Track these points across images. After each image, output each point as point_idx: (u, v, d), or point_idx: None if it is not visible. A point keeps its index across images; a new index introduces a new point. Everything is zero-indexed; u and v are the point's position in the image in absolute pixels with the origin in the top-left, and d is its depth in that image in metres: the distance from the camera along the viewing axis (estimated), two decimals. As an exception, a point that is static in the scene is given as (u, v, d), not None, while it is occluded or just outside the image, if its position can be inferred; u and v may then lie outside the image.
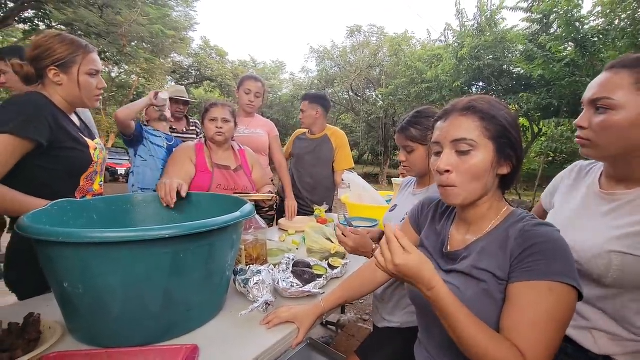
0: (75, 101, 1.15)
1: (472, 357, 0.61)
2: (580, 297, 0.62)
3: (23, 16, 7.91)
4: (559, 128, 6.69)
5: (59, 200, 0.96)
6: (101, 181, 1.27)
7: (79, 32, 6.90)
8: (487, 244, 0.73)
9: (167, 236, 0.72)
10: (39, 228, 0.71)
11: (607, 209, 0.80)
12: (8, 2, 7.19)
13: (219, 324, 0.92)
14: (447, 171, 0.72)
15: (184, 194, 1.18)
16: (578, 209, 0.87)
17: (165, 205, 1.17)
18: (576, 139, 0.84)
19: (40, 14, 7.82)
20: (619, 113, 0.74)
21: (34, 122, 0.99)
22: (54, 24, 7.42)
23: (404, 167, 1.24)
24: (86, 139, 1.17)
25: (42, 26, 8.05)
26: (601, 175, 0.88)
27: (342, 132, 2.53)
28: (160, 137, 2.27)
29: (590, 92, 0.80)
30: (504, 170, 0.74)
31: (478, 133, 0.71)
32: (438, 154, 0.76)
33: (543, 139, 7.63)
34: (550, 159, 10.73)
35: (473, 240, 0.77)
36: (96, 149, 1.20)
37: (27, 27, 8.42)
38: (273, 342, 0.87)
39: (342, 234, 1.18)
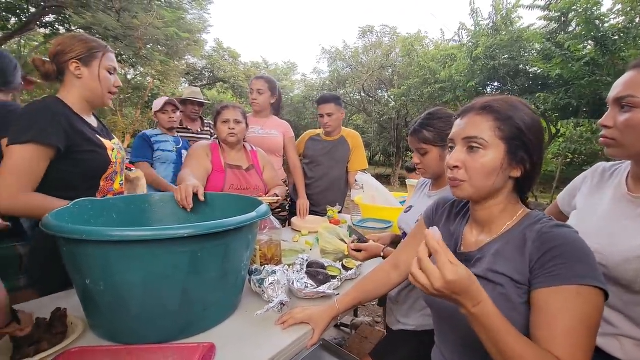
0: (92, 97, 1.18)
1: None
2: (606, 297, 0.60)
3: (44, 20, 8.19)
4: (578, 129, 6.50)
5: (80, 199, 0.99)
6: (121, 180, 1.30)
7: (97, 36, 7.08)
8: (501, 246, 0.72)
9: (185, 235, 0.73)
10: (63, 226, 0.74)
11: (636, 213, 0.78)
12: (30, 8, 7.45)
13: (234, 324, 0.93)
14: (456, 167, 0.74)
15: (201, 197, 1.19)
16: (606, 212, 0.84)
17: (181, 207, 1.19)
18: (600, 139, 0.82)
19: (60, 18, 8.08)
20: None
21: (51, 128, 1.02)
22: (73, 28, 7.65)
23: (419, 169, 1.23)
24: (103, 140, 1.20)
25: (62, 30, 8.30)
26: (627, 176, 0.85)
27: (357, 133, 2.52)
28: (169, 141, 2.36)
29: (615, 91, 0.79)
30: (516, 173, 0.73)
31: (490, 133, 0.71)
32: (452, 150, 0.77)
33: (561, 140, 7.42)
34: (569, 160, 10.44)
35: (487, 242, 0.76)
36: (113, 149, 1.23)
37: (47, 32, 8.70)
38: (288, 342, 0.87)
39: (354, 249, 1.25)
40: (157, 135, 2.35)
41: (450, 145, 0.78)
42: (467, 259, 0.77)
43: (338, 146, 2.39)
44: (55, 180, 1.06)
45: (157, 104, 2.35)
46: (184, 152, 2.38)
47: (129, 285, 0.76)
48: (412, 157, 1.27)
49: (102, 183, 1.19)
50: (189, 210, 1.18)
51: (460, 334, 0.77)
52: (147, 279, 0.76)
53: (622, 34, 5.61)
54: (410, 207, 1.34)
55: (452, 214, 0.90)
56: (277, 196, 1.67)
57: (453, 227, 0.86)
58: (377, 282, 1.01)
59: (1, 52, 1.44)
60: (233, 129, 1.68)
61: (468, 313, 0.58)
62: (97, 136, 1.18)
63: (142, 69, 10.51)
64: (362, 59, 14.43)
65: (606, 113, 0.81)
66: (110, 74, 1.20)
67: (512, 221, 0.75)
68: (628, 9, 5.58)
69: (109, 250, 0.73)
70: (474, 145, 0.71)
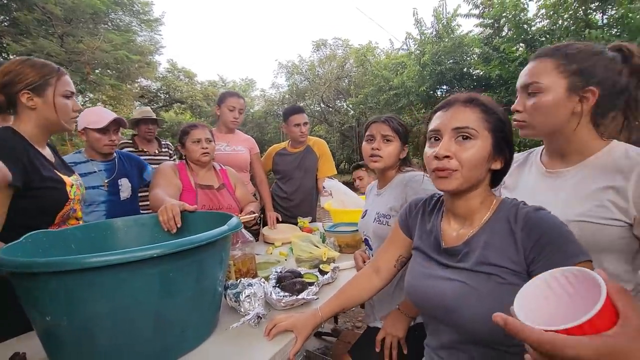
0: (50, 126, 1.11)
1: None
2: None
3: (-24, 51, 7.55)
4: (520, 123, 7.09)
5: (33, 232, 0.92)
6: (81, 216, 1.22)
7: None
8: (488, 237, 0.73)
9: (154, 255, 0.71)
10: (16, 260, 0.68)
11: (556, 186, 0.89)
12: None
13: (214, 343, 0.90)
14: (447, 157, 0.73)
15: (188, 209, 1.17)
16: (532, 190, 0.94)
17: (166, 230, 1.13)
18: (514, 123, 0.92)
19: (-5, 47, 7.50)
20: (547, 94, 0.83)
21: (10, 165, 0.95)
22: (12, 56, 7.12)
23: (375, 155, 1.26)
24: (61, 175, 1.12)
25: (-3, 59, 7.69)
26: (541, 156, 0.97)
27: (323, 140, 2.57)
28: (96, 171, 1.68)
29: (521, 79, 0.90)
30: (497, 165, 0.76)
31: (479, 124, 0.73)
32: (435, 142, 0.77)
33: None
34: (516, 151, 11.27)
35: (470, 235, 0.76)
36: (72, 185, 1.15)
37: (-20, 62, 7.99)
38: (271, 354, 0.86)
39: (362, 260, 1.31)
40: (75, 164, 1.63)
41: (433, 137, 0.78)
42: (453, 253, 0.78)
43: (306, 156, 2.42)
44: (8, 219, 0.97)
45: (95, 119, 1.64)
46: (123, 182, 1.77)
47: (95, 317, 0.71)
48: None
49: (57, 220, 1.11)
50: (174, 232, 1.12)
51: (454, 330, 0.76)
52: (115, 307, 0.72)
53: (548, 35, 6.27)
54: (366, 211, 1.39)
55: (426, 213, 0.91)
56: (254, 213, 1.67)
57: (429, 225, 0.87)
58: (360, 287, 1.00)
59: None
60: (206, 148, 1.65)
61: None
62: (55, 171, 1.11)
63: (91, 95, 9.93)
64: (318, 71, 14.77)
65: (517, 100, 0.92)
66: (68, 98, 1.12)
67: (489, 211, 0.77)
68: (551, 13, 6.24)
69: (70, 280, 0.68)
70: (465, 134, 0.72)
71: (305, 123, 2.37)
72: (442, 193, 0.89)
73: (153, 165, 2.47)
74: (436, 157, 0.74)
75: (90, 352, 0.74)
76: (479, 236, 0.75)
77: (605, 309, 0.38)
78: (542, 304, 0.47)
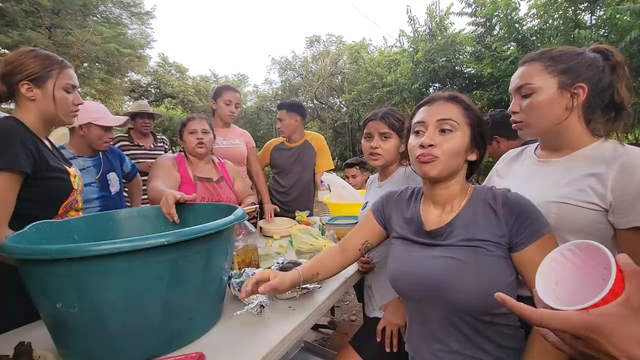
0: (50, 118, 1.11)
1: None
2: None
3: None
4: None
5: (38, 222, 0.92)
6: (80, 208, 1.22)
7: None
8: (471, 217, 0.81)
9: (165, 243, 0.72)
10: (27, 247, 0.69)
11: (545, 172, 0.94)
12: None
13: (221, 331, 0.92)
14: (431, 145, 0.81)
15: (187, 198, 1.14)
16: (523, 177, 1.01)
17: (171, 221, 1.13)
18: (513, 125, 0.99)
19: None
20: (540, 94, 0.89)
21: (21, 152, 0.95)
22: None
23: (375, 154, 1.29)
24: (65, 166, 1.12)
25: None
26: (536, 149, 1.04)
27: (321, 135, 2.59)
28: (85, 168, 1.66)
29: (514, 83, 0.96)
30: (473, 157, 0.86)
31: (460, 117, 0.83)
32: (419, 133, 0.86)
33: (498, 132, 8.14)
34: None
35: (452, 218, 0.83)
36: (75, 176, 1.15)
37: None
38: (275, 342, 0.87)
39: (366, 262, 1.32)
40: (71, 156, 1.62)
41: (417, 129, 0.86)
42: (437, 235, 0.84)
43: (304, 151, 2.44)
44: (15, 210, 0.97)
45: (98, 115, 1.63)
46: (111, 177, 1.77)
47: (106, 304, 0.72)
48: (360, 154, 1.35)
49: (60, 210, 1.11)
50: (177, 222, 1.11)
51: (445, 308, 0.80)
52: (126, 294, 0.73)
53: (538, 35, 6.37)
54: (367, 203, 1.42)
55: (403, 203, 0.97)
56: (255, 204, 1.68)
57: (409, 214, 0.93)
58: (333, 260, 1.02)
59: None
60: (201, 139, 1.65)
61: None
62: (59, 161, 1.11)
63: (80, 90, 9.74)
64: (311, 67, 14.74)
65: (512, 102, 0.97)
66: (69, 92, 1.12)
67: (466, 197, 0.86)
68: (541, 13, 6.35)
69: (83, 267, 0.69)
70: (447, 127, 0.81)
71: (280, 119, 2.36)
72: (416, 185, 1.00)
73: (149, 160, 2.47)
74: (421, 146, 0.82)
75: (99, 339, 0.75)
76: (461, 217, 0.82)
77: (615, 287, 0.39)
78: (563, 274, 0.49)
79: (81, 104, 1.17)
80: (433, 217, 0.88)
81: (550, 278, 0.50)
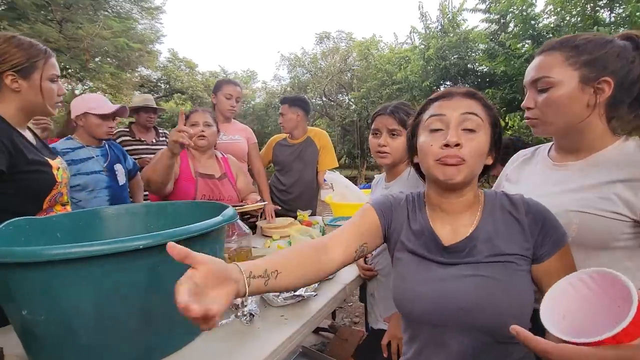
0: (33, 109, 1.06)
1: None
2: None
3: (-29, 34, 7.41)
4: (523, 121, 7.02)
5: (15, 219, 0.86)
6: (66, 203, 1.17)
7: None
8: (493, 227, 0.72)
9: (141, 247, 0.65)
10: (-10, 249, 0.63)
11: (562, 177, 0.85)
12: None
13: (206, 340, 0.85)
14: (458, 145, 0.68)
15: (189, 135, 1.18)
16: (537, 182, 0.91)
17: (193, 145, 1.16)
18: (526, 121, 0.89)
19: (-9, 31, 7.37)
20: (559, 89, 0.79)
21: None
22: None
23: (382, 152, 1.19)
24: (46, 158, 1.07)
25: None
26: (549, 151, 0.94)
27: (324, 131, 2.51)
28: (93, 157, 1.70)
29: (529, 75, 0.85)
30: (489, 161, 0.76)
31: (483, 114, 0.72)
32: (436, 131, 0.72)
33: (509, 132, 7.95)
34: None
35: (471, 231, 0.72)
36: (59, 168, 1.10)
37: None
38: (268, 352, 0.81)
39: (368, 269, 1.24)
40: (72, 150, 1.65)
41: (434, 127, 0.72)
42: (456, 250, 0.72)
43: (306, 148, 2.36)
44: None
45: (95, 104, 1.66)
46: (118, 168, 1.81)
47: (76, 312, 0.66)
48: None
49: (45, 205, 1.06)
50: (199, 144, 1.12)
51: (472, 333, 0.68)
52: (98, 302, 0.67)
53: (554, 32, 6.15)
54: None
55: (409, 213, 0.82)
56: (264, 201, 1.64)
57: (417, 225, 0.79)
58: (303, 259, 0.71)
59: None
60: (203, 131, 1.60)
61: None
62: (40, 154, 1.06)
63: (91, 84, 9.78)
64: (321, 64, 14.62)
65: (526, 96, 0.87)
66: (53, 81, 1.07)
67: (480, 205, 0.76)
68: (558, 9, 6.13)
69: (49, 272, 0.63)
70: (470, 125, 0.69)
71: (282, 114, 2.28)
72: (413, 192, 0.85)
73: (150, 155, 2.43)
74: (447, 145, 0.69)
75: (70, 350, 0.69)
76: (481, 229, 0.72)
77: (636, 319, 0.37)
78: (571, 307, 0.48)
79: (64, 94, 1.12)
80: (446, 229, 0.75)
81: (557, 311, 0.47)
